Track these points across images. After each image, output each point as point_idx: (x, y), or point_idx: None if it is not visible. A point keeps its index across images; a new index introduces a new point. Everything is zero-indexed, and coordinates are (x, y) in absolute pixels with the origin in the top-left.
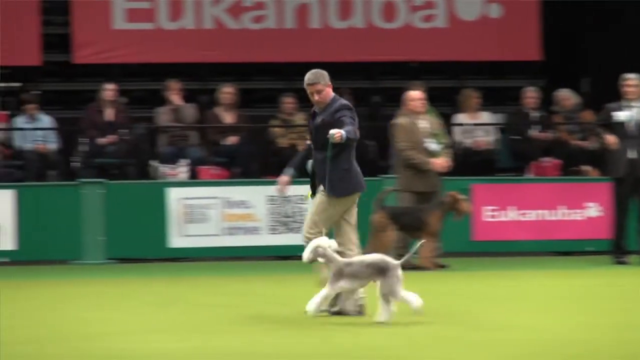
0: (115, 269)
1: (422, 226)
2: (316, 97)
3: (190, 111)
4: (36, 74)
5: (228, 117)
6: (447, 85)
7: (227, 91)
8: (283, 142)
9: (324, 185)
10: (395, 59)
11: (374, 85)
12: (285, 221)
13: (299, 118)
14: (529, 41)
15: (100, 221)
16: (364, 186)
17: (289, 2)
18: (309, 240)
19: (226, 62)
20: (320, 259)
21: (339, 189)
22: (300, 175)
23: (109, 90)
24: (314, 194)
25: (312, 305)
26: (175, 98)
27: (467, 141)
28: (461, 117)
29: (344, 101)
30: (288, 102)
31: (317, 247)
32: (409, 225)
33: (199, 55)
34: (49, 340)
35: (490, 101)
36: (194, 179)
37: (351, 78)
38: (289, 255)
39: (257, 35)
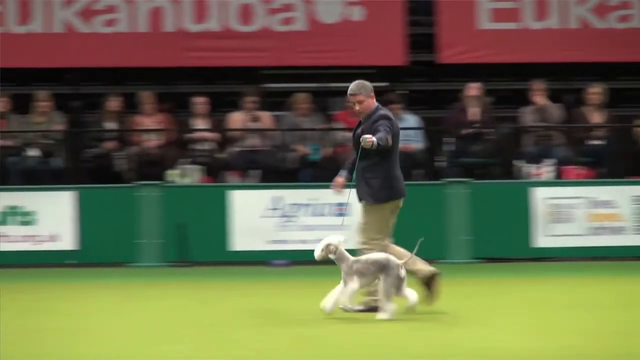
0: (480, 269)
1: None
2: (357, 107)
3: (555, 111)
4: (402, 73)
5: (595, 117)
6: None
7: (594, 91)
8: None
9: (365, 194)
10: None
11: None
12: None
13: None
14: None
15: (465, 220)
16: (405, 192)
17: None
18: (368, 250)
19: (591, 61)
20: (331, 256)
21: (380, 195)
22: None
23: (473, 89)
24: (360, 199)
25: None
26: (540, 98)
27: None
28: None
29: (383, 111)
30: None
31: (329, 245)
32: None
33: (564, 55)
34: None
35: None
36: (559, 178)
37: None
38: None
39: (622, 35)
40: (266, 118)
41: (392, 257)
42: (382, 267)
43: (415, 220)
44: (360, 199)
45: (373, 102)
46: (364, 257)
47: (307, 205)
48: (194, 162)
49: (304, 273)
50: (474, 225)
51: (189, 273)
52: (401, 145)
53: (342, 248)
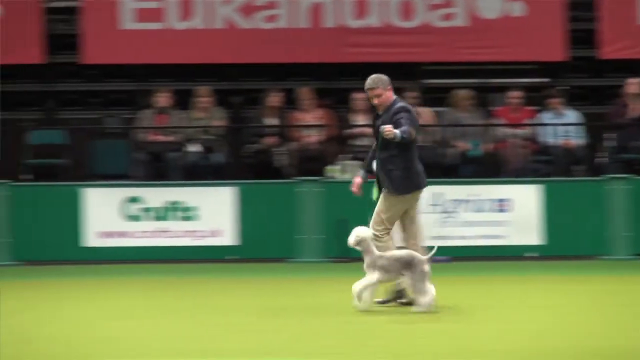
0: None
1: None
2: (375, 101)
3: None
4: (563, 69)
5: None
6: None
7: None
8: None
9: (386, 184)
10: None
11: None
12: None
13: None
14: None
15: (626, 217)
16: (424, 184)
17: None
18: (376, 237)
19: None
20: (357, 247)
21: (400, 187)
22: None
23: (634, 85)
24: (379, 192)
25: (358, 285)
26: None
27: None
28: None
29: (402, 103)
30: None
31: (356, 236)
32: None
33: None
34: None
35: None
36: None
37: None
38: None
39: None
40: (426, 114)
41: (415, 253)
42: (407, 264)
43: (575, 216)
44: (381, 188)
45: (391, 95)
46: (388, 254)
47: (468, 201)
48: (354, 158)
49: (465, 269)
50: (635, 222)
51: (350, 269)
52: (562, 141)
53: (370, 242)
